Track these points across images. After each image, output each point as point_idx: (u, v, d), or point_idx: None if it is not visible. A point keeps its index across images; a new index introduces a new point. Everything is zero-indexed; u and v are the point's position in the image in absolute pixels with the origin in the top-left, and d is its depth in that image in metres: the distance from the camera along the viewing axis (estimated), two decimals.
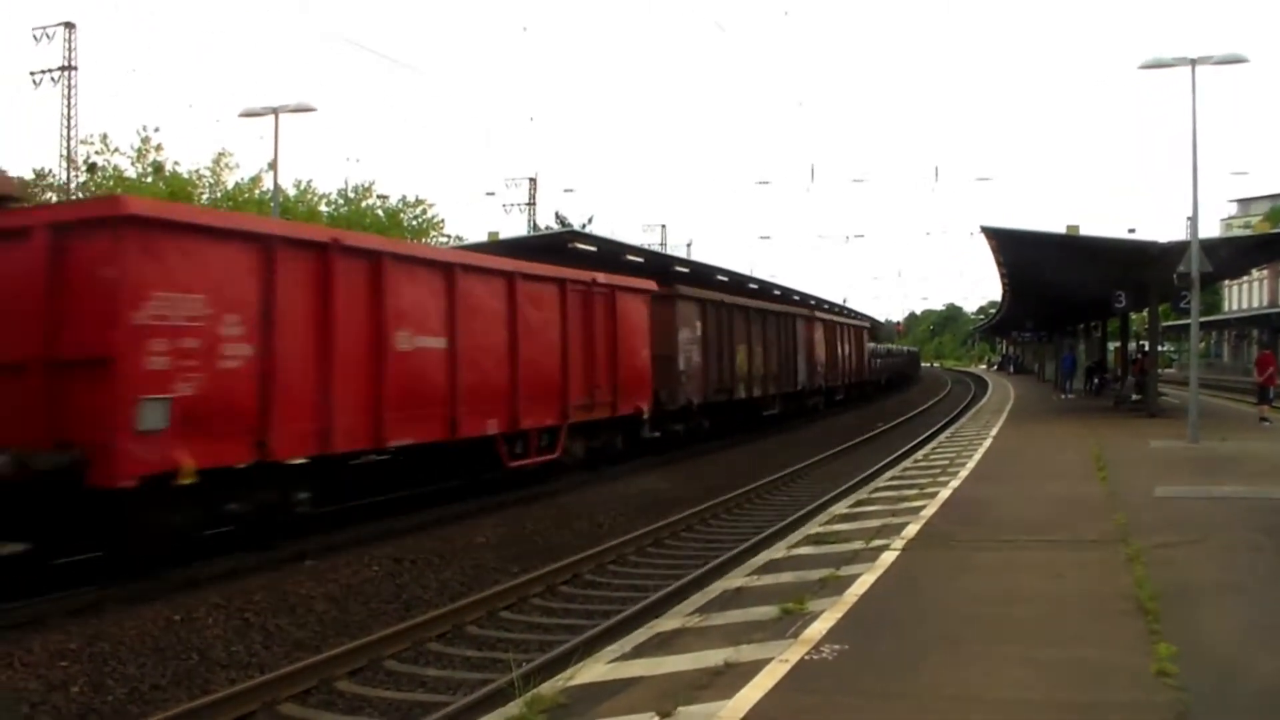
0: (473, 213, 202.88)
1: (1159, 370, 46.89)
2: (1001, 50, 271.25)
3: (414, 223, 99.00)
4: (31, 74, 66.18)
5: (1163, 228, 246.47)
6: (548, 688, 8.41)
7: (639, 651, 9.66)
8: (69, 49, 65.81)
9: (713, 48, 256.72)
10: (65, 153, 67.71)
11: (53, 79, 65.97)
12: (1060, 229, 33.97)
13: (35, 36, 65.27)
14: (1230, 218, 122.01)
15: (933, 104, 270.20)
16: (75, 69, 66.34)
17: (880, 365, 72.76)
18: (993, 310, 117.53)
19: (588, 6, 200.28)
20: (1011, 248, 39.84)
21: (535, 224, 79.59)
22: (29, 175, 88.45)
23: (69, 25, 65.78)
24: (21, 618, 12.44)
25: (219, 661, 11.59)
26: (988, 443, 28.48)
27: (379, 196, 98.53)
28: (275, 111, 36.03)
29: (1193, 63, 26.96)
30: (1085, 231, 33.91)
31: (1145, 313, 47.35)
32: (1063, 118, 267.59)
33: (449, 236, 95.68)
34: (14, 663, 11.07)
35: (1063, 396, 54.90)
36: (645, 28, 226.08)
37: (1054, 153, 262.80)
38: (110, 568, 14.23)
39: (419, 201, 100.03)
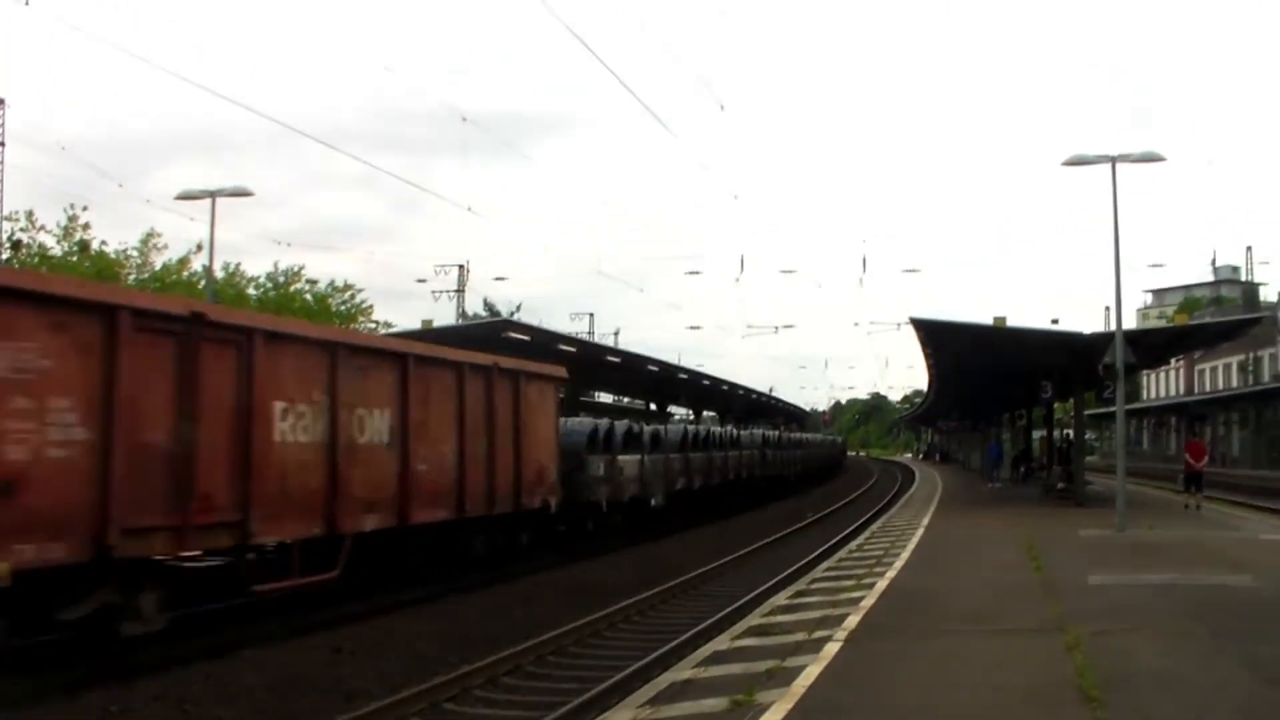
0: (402, 301, 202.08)
1: (1084, 458, 47.49)
2: (929, 145, 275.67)
3: (343, 308, 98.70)
4: None
5: (1083, 317, 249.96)
6: None
7: None
8: None
9: (649, 141, 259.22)
10: None
11: None
12: (987, 319, 34.50)
13: None
14: (1146, 307, 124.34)
15: (862, 197, 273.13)
16: (2, 144, 65.72)
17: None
18: (918, 399, 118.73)
19: (527, 97, 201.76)
20: (938, 338, 40.39)
21: (464, 312, 79.49)
22: None
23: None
24: None
25: None
26: (919, 533, 28.68)
27: (308, 281, 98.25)
28: (213, 195, 35.86)
29: (1113, 160, 27.63)
30: (1011, 323, 34.45)
31: (1070, 401, 47.98)
32: (989, 211, 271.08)
33: (377, 322, 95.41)
34: None
35: (990, 485, 55.41)
36: (582, 120, 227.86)
37: (980, 245, 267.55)
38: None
39: (348, 286, 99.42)
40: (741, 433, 54.65)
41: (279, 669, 14.72)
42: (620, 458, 32.57)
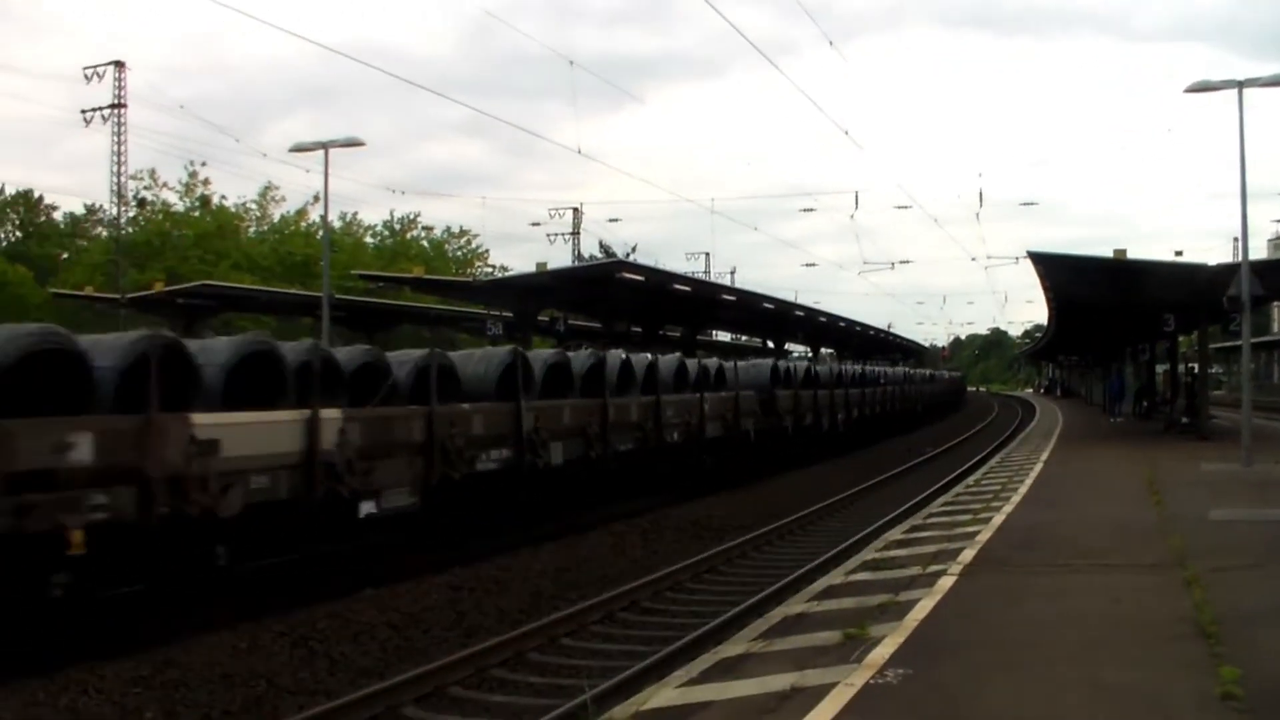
0: (517, 245, 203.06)
1: (1209, 392, 46.63)
2: (1047, 74, 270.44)
3: (459, 253, 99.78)
4: (83, 112, 66.92)
5: (1209, 249, 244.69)
6: (619, 711, 8.53)
7: (706, 676, 9.75)
8: (119, 87, 66.59)
9: (761, 77, 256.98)
10: (115, 188, 68.43)
11: (103, 116, 66.84)
12: (1107, 253, 33.95)
13: (86, 75, 66.08)
14: (1277, 238, 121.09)
15: (977, 129, 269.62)
16: (125, 106, 67.10)
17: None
18: (1038, 334, 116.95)
19: (637, 40, 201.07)
20: (1058, 273, 39.76)
21: (579, 254, 79.80)
22: (80, 210, 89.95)
23: (119, 64, 66.55)
24: (93, 646, 12.65)
25: (286, 688, 11.77)
26: (1038, 467, 28.41)
27: (424, 228, 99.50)
28: (325, 146, 36.39)
29: (1240, 85, 26.94)
30: (1133, 255, 33.86)
31: (1194, 335, 47.12)
32: (1109, 141, 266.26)
33: (493, 267, 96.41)
34: (89, 689, 11.32)
35: (1112, 420, 54.63)
36: (693, 60, 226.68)
37: (1101, 177, 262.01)
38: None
39: (463, 232, 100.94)
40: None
41: (400, 607, 15.08)
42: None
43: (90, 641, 12.55)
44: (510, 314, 46.82)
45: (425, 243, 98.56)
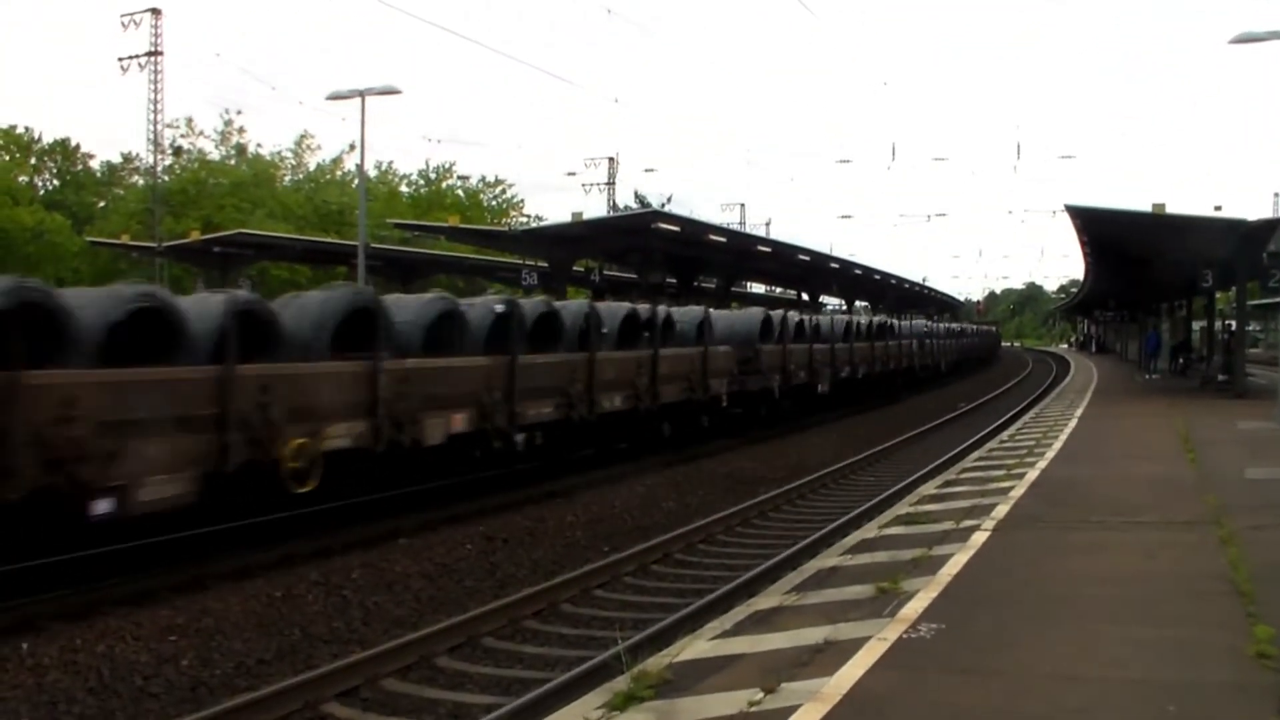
0: (554, 194, 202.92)
1: (1246, 350, 46.33)
2: (1086, 25, 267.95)
3: (494, 203, 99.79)
4: (119, 59, 67.17)
5: (1250, 205, 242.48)
6: (653, 663, 8.55)
7: (739, 629, 9.77)
8: (155, 35, 66.74)
9: (797, 28, 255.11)
10: (152, 136, 68.65)
11: (139, 64, 67.11)
12: (1145, 207, 33.70)
13: (123, 23, 66.22)
14: None
15: (1015, 81, 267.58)
16: (161, 54, 67.27)
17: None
18: (1074, 289, 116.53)
19: None
20: (1095, 227, 39.56)
21: (615, 204, 79.77)
22: (117, 159, 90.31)
23: (155, 12, 66.66)
24: (129, 593, 12.81)
25: (321, 637, 11.87)
26: (1073, 423, 28.29)
27: (460, 178, 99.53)
28: (361, 94, 36.45)
29: None
30: (1171, 209, 33.58)
31: (1231, 291, 46.77)
32: (1149, 94, 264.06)
33: (529, 216, 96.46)
34: (125, 636, 11.45)
35: (1147, 377, 54.30)
36: (728, 9, 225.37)
37: (1139, 130, 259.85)
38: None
39: (499, 182, 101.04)
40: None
41: (434, 557, 15.19)
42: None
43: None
44: (545, 264, 46.83)
45: (460, 192, 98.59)
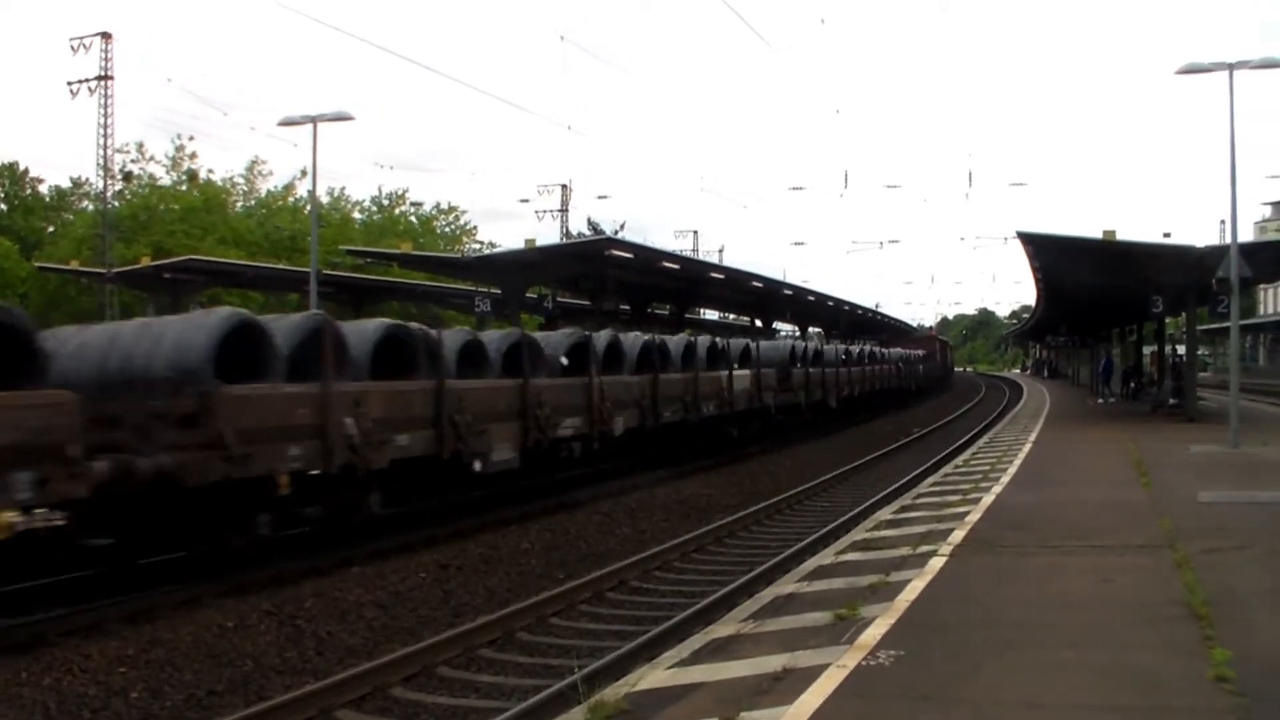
0: (506, 221, 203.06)
1: (1196, 374, 46.70)
2: (1037, 56, 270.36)
3: (447, 230, 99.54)
4: (69, 84, 66.60)
5: (1197, 231, 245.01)
6: (610, 693, 8.47)
7: (697, 657, 9.71)
8: (106, 59, 66.22)
9: (750, 57, 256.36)
10: (102, 161, 68.10)
11: (89, 89, 66.45)
12: (1096, 234, 33.90)
13: (73, 47, 65.74)
14: (1265, 220, 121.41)
15: (967, 109, 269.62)
16: (111, 79, 66.72)
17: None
18: (1026, 315, 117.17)
19: (627, 16, 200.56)
20: (1047, 253, 39.80)
21: (568, 231, 79.74)
22: (66, 184, 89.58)
23: (106, 36, 66.18)
24: (80, 624, 12.62)
25: (273, 668, 11.72)
26: (1027, 448, 28.42)
27: (412, 204, 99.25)
28: (313, 120, 36.25)
29: (1230, 67, 26.93)
30: (1122, 236, 33.83)
31: (1181, 316, 47.18)
32: (1098, 123, 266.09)
33: (481, 243, 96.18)
34: (73, 669, 11.28)
35: (1100, 401, 54.65)
36: (683, 37, 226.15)
37: (1089, 158, 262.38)
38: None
39: (452, 209, 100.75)
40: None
41: (387, 585, 15.06)
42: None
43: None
44: (498, 291, 46.72)
45: (413, 218, 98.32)
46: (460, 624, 13.07)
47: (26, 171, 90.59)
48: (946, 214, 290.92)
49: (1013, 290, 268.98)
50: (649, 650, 11.19)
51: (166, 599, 13.72)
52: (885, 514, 18.72)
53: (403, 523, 18.52)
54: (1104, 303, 51.69)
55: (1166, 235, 43.99)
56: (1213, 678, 8.17)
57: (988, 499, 18.55)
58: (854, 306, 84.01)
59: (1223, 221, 47.01)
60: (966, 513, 17.02)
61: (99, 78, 66.99)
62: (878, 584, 12.11)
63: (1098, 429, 35.85)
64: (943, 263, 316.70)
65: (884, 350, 63.33)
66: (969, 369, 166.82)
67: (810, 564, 14.53)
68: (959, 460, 27.74)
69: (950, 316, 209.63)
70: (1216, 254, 29.78)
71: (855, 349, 55.34)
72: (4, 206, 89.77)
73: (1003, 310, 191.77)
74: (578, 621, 13.73)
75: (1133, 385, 56.35)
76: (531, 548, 17.96)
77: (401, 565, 16.20)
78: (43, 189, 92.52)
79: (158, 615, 13.19)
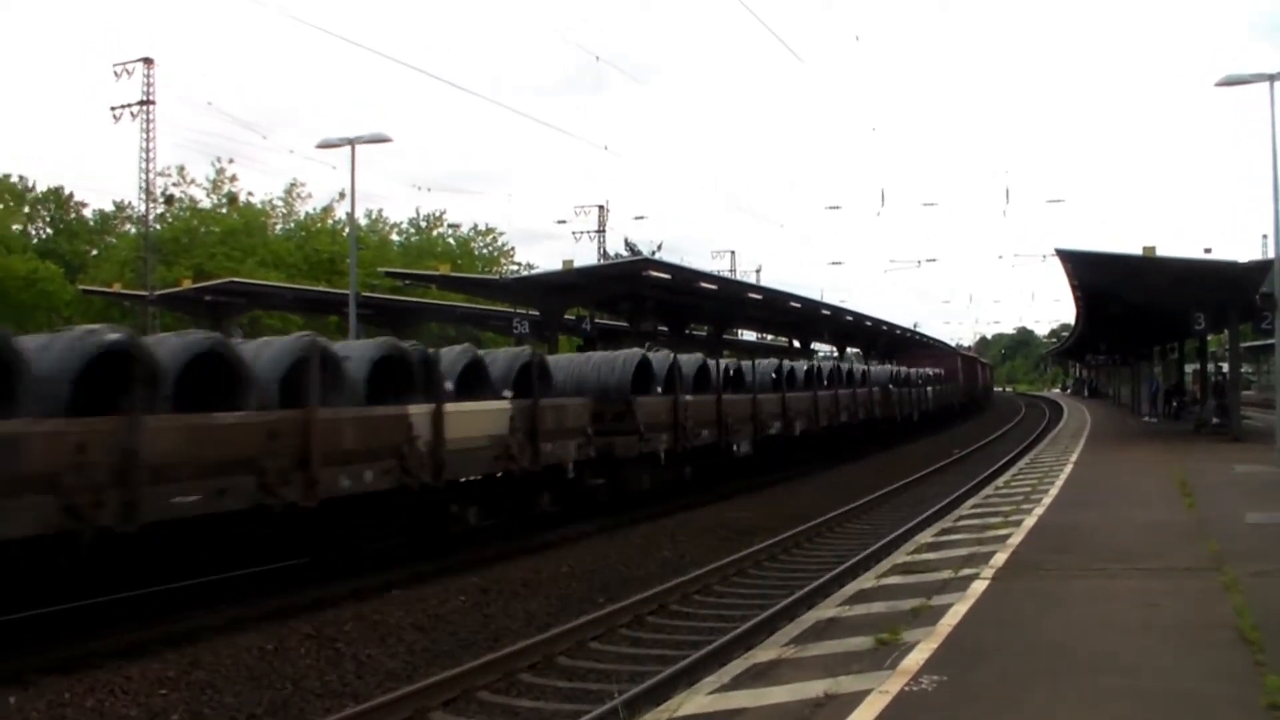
0: (543, 242, 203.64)
1: (1240, 392, 46.28)
2: (1074, 71, 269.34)
3: (485, 251, 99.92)
4: (112, 109, 67.08)
5: (1239, 247, 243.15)
6: (650, 718, 8.41)
7: (738, 682, 9.63)
8: (148, 84, 66.70)
9: (786, 76, 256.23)
10: (144, 184, 68.59)
11: (132, 113, 66.88)
12: (1136, 250, 33.66)
13: (116, 73, 66.20)
14: None
15: (1004, 126, 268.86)
16: (153, 103, 67.21)
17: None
18: (1065, 334, 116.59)
19: (661, 36, 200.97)
20: (1086, 271, 39.55)
21: (605, 252, 79.74)
22: (109, 207, 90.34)
23: (148, 61, 66.67)
24: (122, 645, 12.66)
25: (313, 691, 11.71)
26: (1068, 469, 28.20)
27: (450, 226, 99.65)
28: (351, 143, 36.42)
29: (1270, 79, 26.76)
30: (1162, 252, 33.57)
31: (1224, 333, 46.79)
32: (1136, 137, 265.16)
33: (519, 264, 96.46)
34: (115, 690, 11.31)
35: (1146, 420, 54.20)
36: (719, 57, 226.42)
37: (1128, 173, 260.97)
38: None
39: (489, 230, 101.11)
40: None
41: (427, 609, 15.03)
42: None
43: None
44: (536, 312, 46.77)
45: (451, 240, 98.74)
46: (500, 648, 13.02)
47: (71, 196, 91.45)
48: (984, 232, 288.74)
49: (1052, 308, 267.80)
50: (689, 675, 11.12)
51: (208, 621, 13.75)
52: (926, 537, 18.58)
53: (445, 547, 18.49)
54: (1145, 320, 51.31)
55: (1208, 251, 43.63)
56: (1265, 705, 8.05)
57: (1029, 521, 18.39)
58: (892, 326, 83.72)
59: (1265, 236, 46.55)
60: (1008, 535, 16.87)
61: (141, 102, 67.49)
62: (919, 608, 12.01)
63: (1140, 449, 35.54)
64: (981, 281, 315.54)
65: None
66: (1008, 389, 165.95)
67: (851, 587, 14.41)
68: (999, 482, 27.52)
69: (989, 335, 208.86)
70: (1260, 269, 29.53)
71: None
72: (49, 230, 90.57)
73: (1042, 329, 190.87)
74: (618, 646, 13.66)
75: (1175, 404, 55.90)
76: (571, 571, 17.92)
77: (441, 589, 16.19)
78: (86, 213, 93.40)
79: (199, 637, 13.21)
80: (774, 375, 35.20)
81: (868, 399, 46.06)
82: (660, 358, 28.08)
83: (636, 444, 24.23)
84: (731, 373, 32.56)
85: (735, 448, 30.52)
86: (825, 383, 40.99)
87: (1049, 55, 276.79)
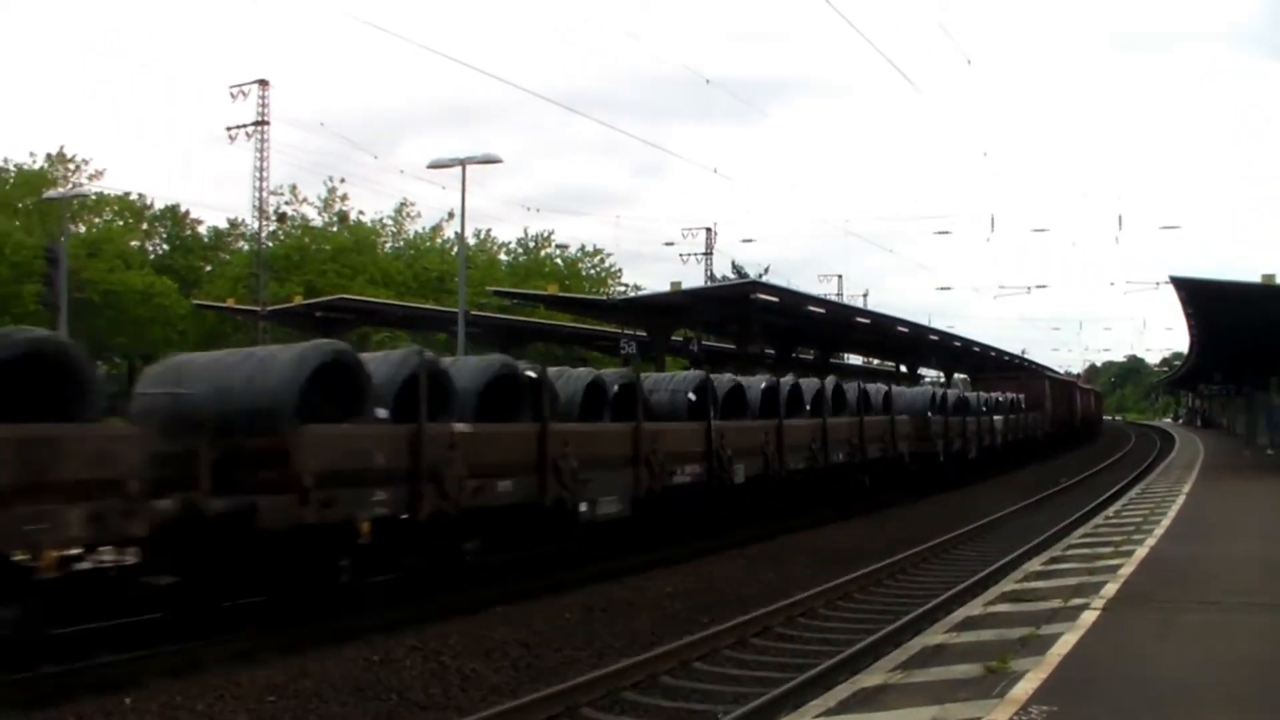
0: (650, 264, 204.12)
1: None
2: (1188, 93, 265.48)
3: (592, 272, 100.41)
4: (228, 129, 68.36)
5: None
6: None
7: (844, 707, 9.56)
8: (263, 105, 67.88)
9: (897, 100, 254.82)
10: (257, 203, 69.81)
11: (246, 134, 68.12)
12: (1254, 278, 33.11)
13: (232, 94, 67.47)
14: None
15: (1117, 150, 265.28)
16: (268, 123, 68.38)
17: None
18: (1177, 362, 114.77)
19: (772, 60, 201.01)
20: (1201, 299, 38.96)
21: (712, 274, 79.64)
22: (223, 224, 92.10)
23: (263, 83, 67.85)
24: (231, 653, 12.85)
25: (418, 703, 11.78)
26: (1181, 500, 27.70)
27: (558, 246, 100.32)
28: (462, 163, 36.79)
29: None
30: None
31: None
32: (1255, 161, 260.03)
33: (626, 285, 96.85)
34: (225, 696, 11.47)
35: (1269, 452, 53.04)
36: (828, 80, 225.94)
37: (1245, 200, 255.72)
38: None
39: (597, 251, 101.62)
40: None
41: (532, 625, 15.07)
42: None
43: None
44: (644, 333, 46.93)
45: (559, 261, 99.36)
46: (604, 665, 13.04)
47: (187, 213, 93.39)
48: (1095, 258, 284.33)
49: (1163, 337, 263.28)
50: (794, 698, 11.06)
51: (316, 631, 13.92)
52: (1034, 565, 18.34)
53: (547, 563, 18.56)
54: (1263, 349, 50.34)
55: None
56: None
57: (1141, 551, 18.10)
58: (1000, 352, 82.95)
59: None
60: (1119, 565, 16.61)
61: (256, 123, 68.69)
62: (1028, 636, 11.85)
63: (1257, 481, 34.85)
64: (1091, 308, 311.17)
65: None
66: (1117, 417, 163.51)
67: (959, 614, 14.26)
68: (1109, 511, 27.09)
69: (1098, 363, 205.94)
70: None
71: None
72: (166, 246, 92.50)
73: (1153, 357, 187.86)
74: (722, 666, 13.60)
75: None
76: (675, 591, 17.91)
77: (546, 606, 16.24)
78: (201, 230, 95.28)
79: (307, 647, 13.38)
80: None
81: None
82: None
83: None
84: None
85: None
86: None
87: (1165, 78, 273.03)
